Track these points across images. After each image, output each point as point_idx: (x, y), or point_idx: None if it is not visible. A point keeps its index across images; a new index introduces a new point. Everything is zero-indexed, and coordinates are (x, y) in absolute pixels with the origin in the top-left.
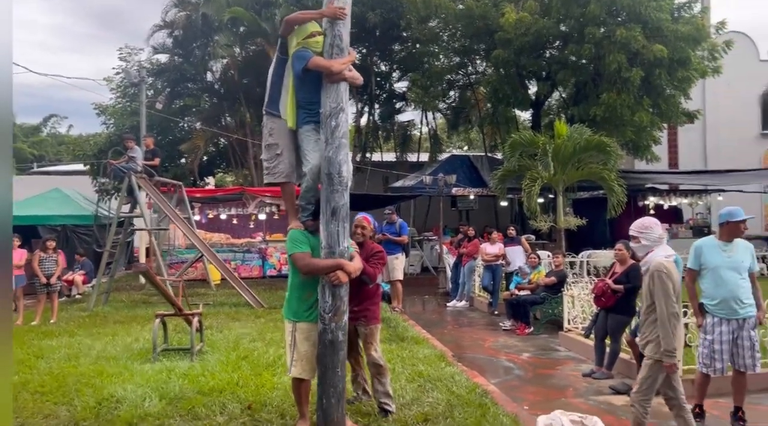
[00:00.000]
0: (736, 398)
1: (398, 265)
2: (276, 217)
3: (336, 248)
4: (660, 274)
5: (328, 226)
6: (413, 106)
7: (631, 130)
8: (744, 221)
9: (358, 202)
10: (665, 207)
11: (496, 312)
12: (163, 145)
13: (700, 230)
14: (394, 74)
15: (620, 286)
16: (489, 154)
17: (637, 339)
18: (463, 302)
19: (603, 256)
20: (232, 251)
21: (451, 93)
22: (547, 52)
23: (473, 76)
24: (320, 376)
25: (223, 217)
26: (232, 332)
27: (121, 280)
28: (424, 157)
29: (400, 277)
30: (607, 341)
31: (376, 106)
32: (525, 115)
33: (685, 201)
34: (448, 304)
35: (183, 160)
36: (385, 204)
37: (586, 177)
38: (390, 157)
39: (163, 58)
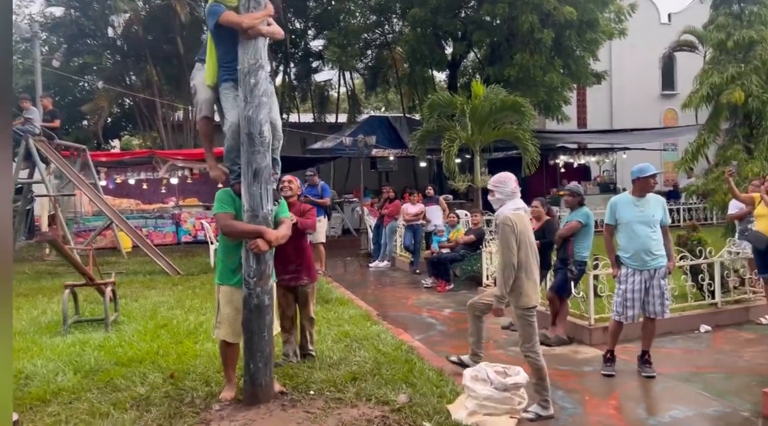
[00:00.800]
0: (644, 343)
1: (320, 227)
2: (189, 181)
3: (259, 212)
4: (504, 227)
5: (250, 188)
6: (330, 66)
7: (543, 91)
8: (653, 176)
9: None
10: (575, 165)
11: (417, 271)
12: (62, 106)
13: (607, 187)
14: (310, 32)
15: (537, 242)
16: (407, 115)
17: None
18: (385, 262)
19: None
20: (143, 218)
21: (369, 52)
22: (463, 11)
23: (390, 36)
24: (246, 341)
25: (131, 182)
26: (148, 301)
27: (23, 251)
28: (343, 118)
29: (323, 239)
30: None
31: (292, 65)
32: (441, 76)
33: (592, 159)
34: (370, 265)
35: (85, 123)
36: (305, 166)
37: (502, 137)
38: (307, 118)
39: (57, 11)
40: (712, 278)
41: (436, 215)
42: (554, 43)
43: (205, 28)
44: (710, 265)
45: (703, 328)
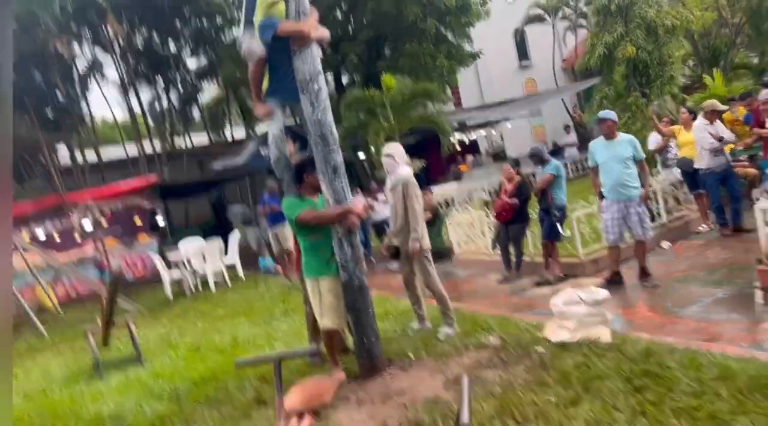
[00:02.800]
0: (639, 261)
1: (289, 233)
2: (104, 224)
3: (344, 202)
4: (411, 184)
5: (333, 184)
6: (217, 83)
7: (435, 76)
8: (603, 120)
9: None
10: (466, 141)
11: (373, 259)
12: None
13: (497, 156)
14: (185, 52)
15: (515, 200)
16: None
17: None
18: None
19: (444, 190)
20: (57, 269)
21: None
22: (348, 12)
23: None
24: (355, 320)
25: (40, 233)
26: (146, 336)
27: None
28: (240, 133)
29: (292, 245)
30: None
31: (172, 88)
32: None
33: (482, 133)
34: None
35: None
36: (209, 188)
37: (420, 122)
38: (201, 140)
39: None
40: (656, 203)
41: (382, 205)
42: (437, 29)
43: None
44: (654, 193)
45: (665, 244)
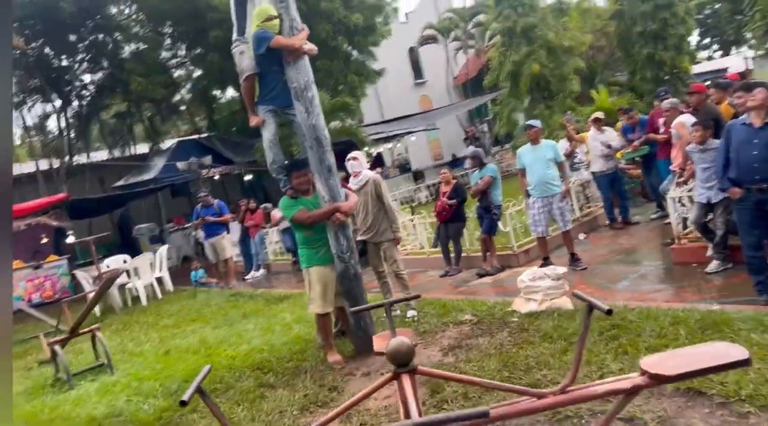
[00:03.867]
0: (568, 248)
1: (225, 243)
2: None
3: (338, 198)
4: (381, 182)
5: (328, 182)
6: (120, 99)
7: (346, 92)
8: (531, 127)
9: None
10: (374, 154)
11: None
12: None
13: (404, 168)
14: (81, 67)
15: (454, 201)
16: (218, 134)
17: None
18: (261, 271)
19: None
20: None
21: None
22: None
23: (176, 60)
24: (352, 304)
25: None
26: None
27: None
28: (143, 149)
29: (230, 254)
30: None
31: (77, 102)
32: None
33: (387, 146)
34: (246, 277)
35: None
36: (120, 204)
37: (340, 135)
38: (99, 156)
39: None
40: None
41: None
42: (345, 48)
43: None
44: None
45: (581, 236)
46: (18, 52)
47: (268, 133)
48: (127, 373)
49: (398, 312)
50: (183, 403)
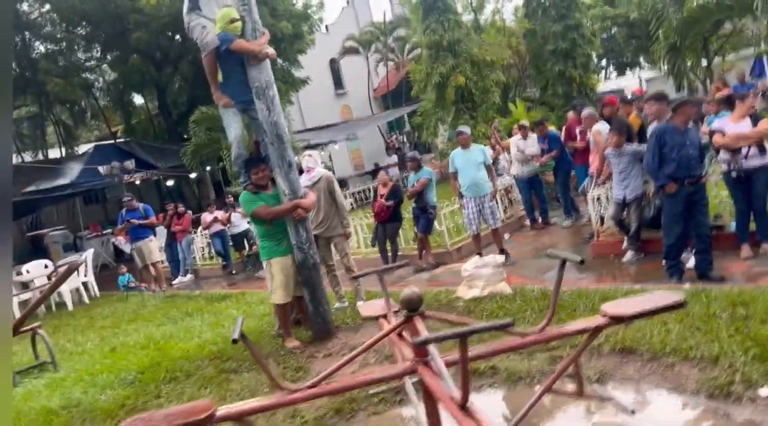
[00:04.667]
0: (497, 245)
1: (153, 247)
2: None
3: (298, 192)
4: (333, 179)
5: (288, 176)
6: (31, 100)
7: None
8: (462, 133)
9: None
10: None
11: (233, 271)
12: None
13: None
14: None
15: (391, 202)
16: (136, 139)
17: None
18: (189, 276)
19: None
20: None
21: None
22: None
23: (91, 63)
24: (311, 293)
25: None
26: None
27: None
28: (53, 154)
29: (158, 258)
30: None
31: None
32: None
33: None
34: (173, 283)
35: None
36: (31, 210)
37: None
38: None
39: None
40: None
41: (239, 219)
42: None
43: None
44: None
45: (506, 235)
46: None
47: (234, 130)
48: (74, 369)
49: (346, 303)
50: (234, 341)
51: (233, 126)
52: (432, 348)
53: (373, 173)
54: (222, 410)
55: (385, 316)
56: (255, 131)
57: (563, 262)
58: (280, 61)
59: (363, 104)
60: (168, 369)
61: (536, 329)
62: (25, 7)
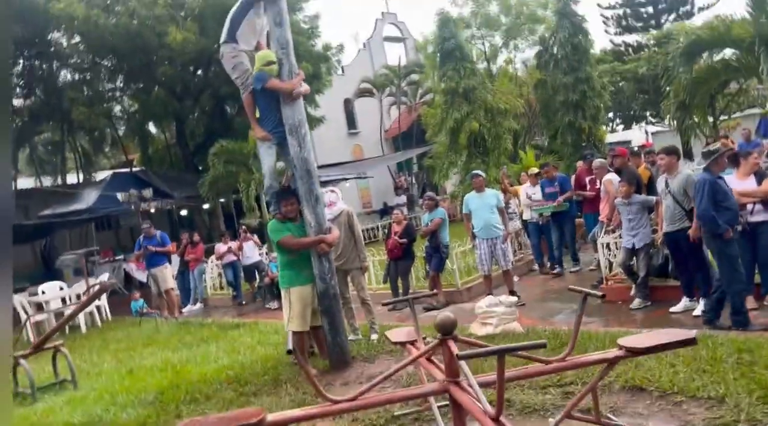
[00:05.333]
0: (507, 286)
1: (167, 274)
2: None
3: (323, 225)
4: (354, 214)
5: (314, 210)
6: (55, 127)
7: None
8: (477, 176)
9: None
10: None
11: (243, 302)
12: None
13: None
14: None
15: (404, 240)
16: (135, 168)
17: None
18: (198, 305)
19: None
20: None
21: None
22: (209, 68)
23: (114, 93)
24: (330, 322)
25: None
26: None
27: None
28: (71, 179)
29: (173, 285)
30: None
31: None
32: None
33: (323, 190)
34: (183, 310)
35: None
36: (47, 233)
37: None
38: (23, 183)
39: None
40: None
41: (252, 250)
42: None
43: None
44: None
45: (516, 278)
46: None
47: (268, 162)
48: (93, 388)
49: (360, 336)
50: (289, 352)
51: (267, 159)
52: (465, 367)
53: (382, 212)
54: (271, 416)
55: (413, 343)
56: (286, 165)
57: (585, 296)
58: (306, 99)
59: (374, 144)
60: (187, 391)
61: (559, 358)
62: (56, 36)
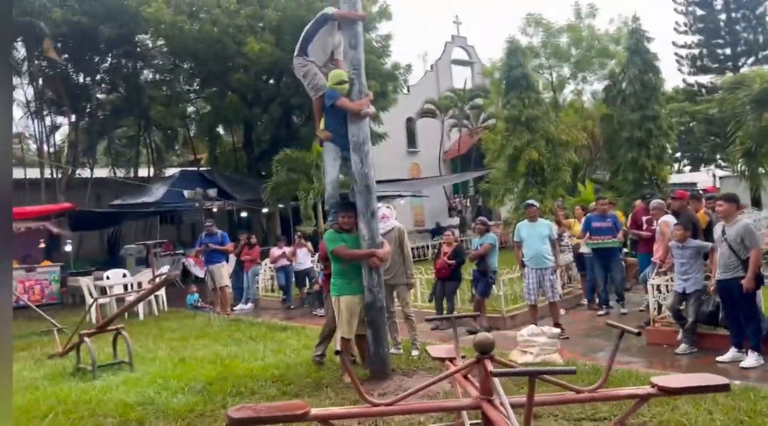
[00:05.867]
0: (553, 318)
1: (224, 272)
2: None
3: (376, 239)
4: (405, 231)
5: (370, 224)
6: (132, 122)
7: None
8: (531, 206)
9: (104, 219)
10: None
11: (291, 306)
12: None
13: None
14: (100, 87)
15: (454, 261)
16: (201, 168)
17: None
18: (249, 305)
19: None
20: None
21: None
22: (281, 78)
23: (190, 95)
24: (374, 333)
25: None
26: (103, 349)
27: None
28: (142, 173)
29: (227, 283)
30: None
31: (88, 119)
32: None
33: (379, 205)
34: (234, 308)
35: None
36: (118, 221)
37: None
38: (98, 173)
39: None
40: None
41: (305, 257)
42: None
43: None
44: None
45: (562, 311)
46: (45, 63)
47: (331, 174)
48: (148, 372)
49: (401, 350)
50: (338, 352)
51: (331, 171)
52: (498, 386)
53: (433, 232)
54: (314, 411)
55: (452, 360)
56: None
57: (622, 333)
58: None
59: (432, 164)
60: (234, 384)
61: (591, 388)
62: (142, 38)
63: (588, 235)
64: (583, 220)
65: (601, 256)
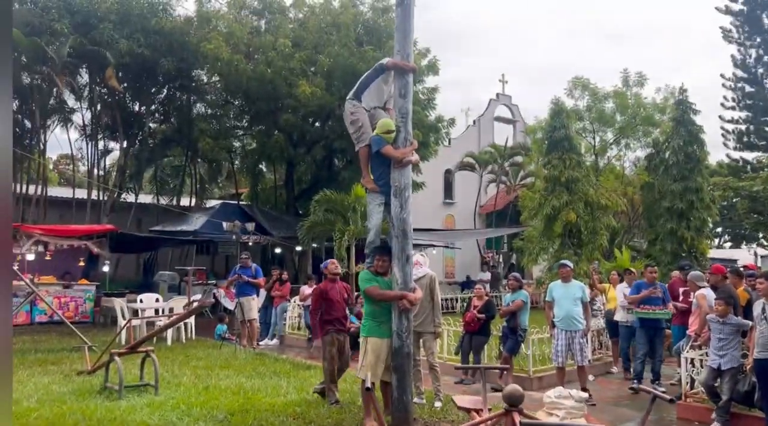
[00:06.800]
0: (581, 382)
1: (254, 305)
2: (47, 257)
3: (409, 284)
4: (436, 280)
5: (403, 268)
6: (180, 152)
7: None
8: (564, 266)
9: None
10: None
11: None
12: None
13: None
14: (153, 116)
15: (483, 315)
16: (244, 202)
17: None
18: (275, 341)
19: None
20: None
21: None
22: (327, 122)
23: (238, 131)
24: (399, 379)
25: None
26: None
27: None
28: (184, 202)
29: (256, 316)
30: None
31: (139, 146)
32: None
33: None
34: (260, 343)
35: None
36: (156, 246)
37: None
38: (141, 199)
39: None
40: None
41: None
42: None
43: None
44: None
45: (591, 377)
46: (105, 90)
47: (375, 219)
48: (172, 397)
49: (424, 400)
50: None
51: (375, 216)
52: None
53: (463, 285)
54: None
55: (478, 411)
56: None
57: (654, 398)
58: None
59: (467, 217)
60: (255, 417)
61: None
62: (199, 73)
63: (637, 303)
64: (632, 285)
65: (647, 326)
